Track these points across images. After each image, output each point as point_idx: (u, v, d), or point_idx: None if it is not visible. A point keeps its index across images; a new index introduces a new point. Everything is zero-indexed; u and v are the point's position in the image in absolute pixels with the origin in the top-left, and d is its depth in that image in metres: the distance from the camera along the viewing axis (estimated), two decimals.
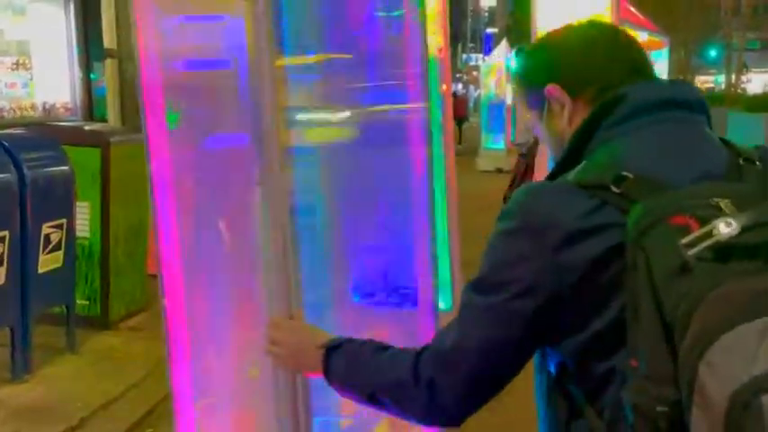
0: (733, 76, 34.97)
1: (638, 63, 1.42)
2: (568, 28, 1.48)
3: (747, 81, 36.24)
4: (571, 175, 1.29)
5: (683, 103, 1.35)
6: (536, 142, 5.98)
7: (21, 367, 4.65)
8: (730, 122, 14.42)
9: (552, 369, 1.35)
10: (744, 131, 12.49)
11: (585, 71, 1.40)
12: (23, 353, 4.66)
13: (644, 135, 1.31)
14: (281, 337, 1.65)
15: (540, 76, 1.44)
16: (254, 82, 1.71)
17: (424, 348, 1.38)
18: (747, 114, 14.18)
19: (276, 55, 1.69)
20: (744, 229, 1.09)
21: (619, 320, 1.19)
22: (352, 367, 1.48)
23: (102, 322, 5.63)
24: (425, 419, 1.41)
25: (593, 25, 1.47)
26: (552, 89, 1.41)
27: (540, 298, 1.25)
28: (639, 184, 1.22)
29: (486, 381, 1.33)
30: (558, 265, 1.23)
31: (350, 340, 1.53)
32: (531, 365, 1.42)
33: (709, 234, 1.09)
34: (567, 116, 1.41)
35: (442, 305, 3.73)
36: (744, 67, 35.73)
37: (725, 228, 1.09)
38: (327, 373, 1.51)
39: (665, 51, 12.61)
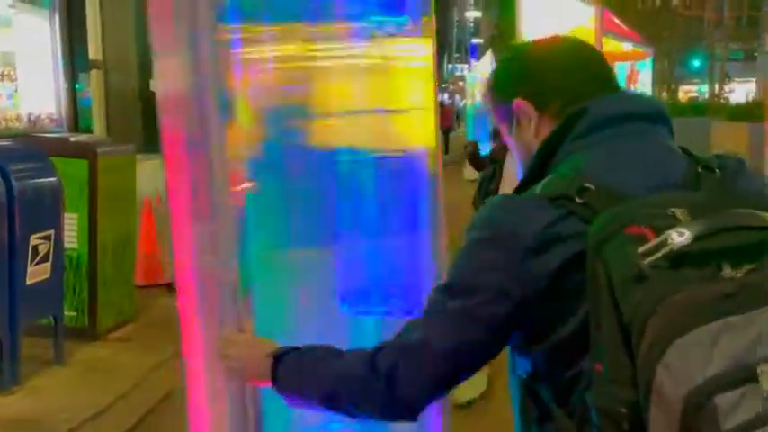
0: (716, 86, 35.22)
1: (602, 77, 1.47)
2: (535, 43, 1.54)
3: (730, 91, 36.47)
4: (538, 188, 1.34)
5: (644, 116, 1.40)
6: (502, 148, 6.02)
7: (8, 379, 4.64)
8: (714, 131, 14.52)
9: (525, 372, 1.39)
10: (727, 140, 12.58)
11: (550, 86, 1.45)
12: (11, 364, 4.65)
13: (605, 148, 1.36)
14: (234, 351, 1.67)
15: (509, 90, 1.49)
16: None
17: (384, 344, 1.41)
18: (730, 123, 14.29)
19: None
20: (696, 238, 1.14)
21: (584, 326, 1.24)
22: (303, 368, 1.50)
23: (89, 333, 5.63)
24: (382, 412, 1.43)
25: (560, 41, 1.53)
26: (520, 103, 1.46)
27: (509, 305, 1.30)
28: (601, 195, 1.27)
29: (449, 378, 1.38)
30: (525, 273, 1.28)
31: (299, 347, 1.54)
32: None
33: (664, 243, 1.14)
34: (534, 129, 1.45)
35: None
36: (726, 77, 36.00)
37: (678, 237, 1.13)
38: (275, 379, 1.52)
39: (648, 62, 12.70)
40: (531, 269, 1.28)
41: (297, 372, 1.51)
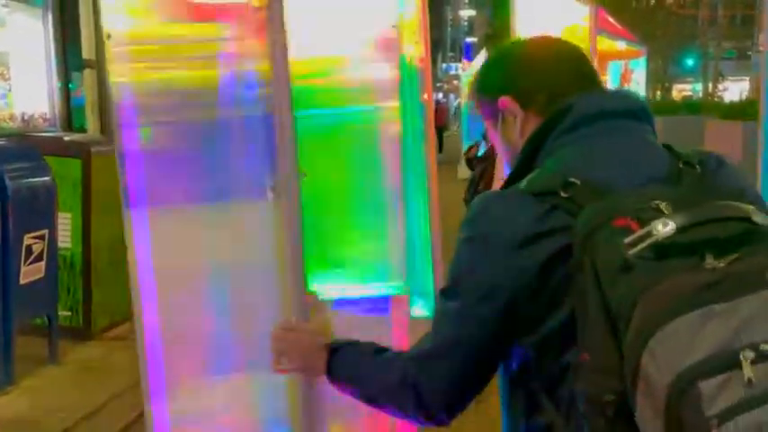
0: (710, 85, 35.30)
1: (585, 75, 1.50)
2: (520, 43, 1.60)
3: (724, 89, 36.56)
4: (523, 184, 1.37)
5: (626, 113, 1.43)
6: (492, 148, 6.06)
7: (3, 379, 4.64)
8: (708, 130, 14.55)
9: (514, 365, 1.41)
10: (721, 139, 12.62)
11: (535, 84, 1.48)
12: (6, 364, 4.65)
13: (589, 144, 1.39)
14: (292, 336, 1.70)
15: (494, 88, 1.52)
16: (273, 92, 1.76)
17: (410, 353, 1.46)
18: (724, 122, 14.33)
19: (289, 63, 1.76)
20: (680, 229, 1.17)
21: (571, 318, 1.26)
22: (352, 368, 1.55)
23: (84, 333, 5.63)
24: (418, 419, 1.48)
25: (544, 40, 1.57)
26: (505, 101, 1.49)
27: (501, 300, 1.33)
28: (586, 189, 1.30)
29: (464, 380, 1.41)
30: (513, 267, 1.31)
31: (351, 342, 1.59)
32: None
33: (649, 234, 1.17)
34: (520, 127, 1.48)
35: (424, 312, 3.73)
36: (720, 76, 36.08)
37: (663, 228, 1.17)
38: (330, 374, 1.57)
39: (642, 60, 12.70)
40: (518, 264, 1.31)
41: (346, 370, 1.56)
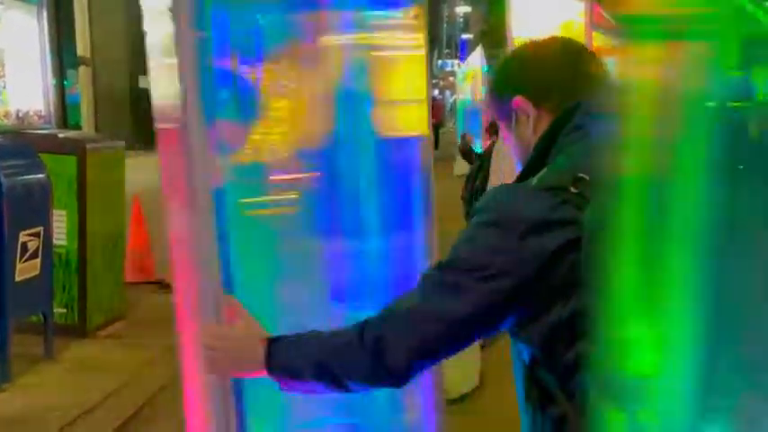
0: None
1: (594, 73, 1.54)
2: (532, 44, 1.64)
3: None
4: (534, 180, 1.43)
5: None
6: (491, 145, 6.08)
7: None
8: None
9: (525, 357, 1.45)
10: None
11: (547, 84, 1.54)
12: (1, 362, 4.63)
13: (597, 141, 1.41)
14: (222, 344, 1.65)
15: (508, 89, 1.58)
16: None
17: (373, 315, 1.47)
18: None
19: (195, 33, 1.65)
20: None
21: (581, 309, 1.29)
22: (295, 346, 1.53)
23: (79, 330, 5.61)
24: (370, 380, 1.48)
25: (555, 41, 1.63)
26: (518, 101, 1.54)
27: (507, 283, 1.36)
28: (594, 184, 1.33)
29: (437, 347, 1.45)
30: (523, 253, 1.35)
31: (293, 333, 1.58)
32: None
33: None
34: (533, 126, 1.54)
35: None
36: None
37: None
38: (269, 360, 1.53)
39: None
40: (530, 250, 1.34)
41: (289, 351, 1.53)
